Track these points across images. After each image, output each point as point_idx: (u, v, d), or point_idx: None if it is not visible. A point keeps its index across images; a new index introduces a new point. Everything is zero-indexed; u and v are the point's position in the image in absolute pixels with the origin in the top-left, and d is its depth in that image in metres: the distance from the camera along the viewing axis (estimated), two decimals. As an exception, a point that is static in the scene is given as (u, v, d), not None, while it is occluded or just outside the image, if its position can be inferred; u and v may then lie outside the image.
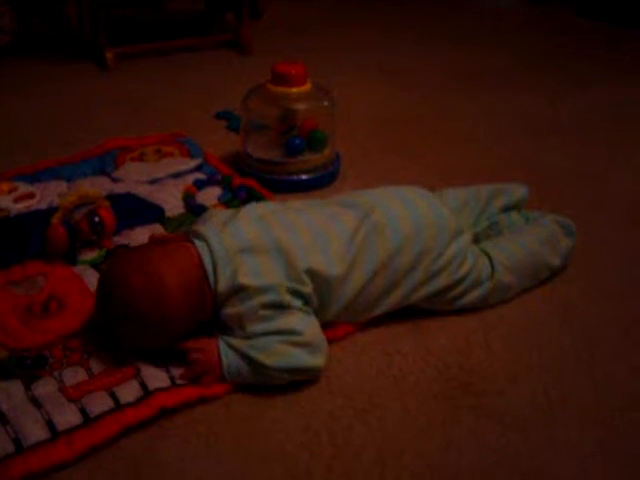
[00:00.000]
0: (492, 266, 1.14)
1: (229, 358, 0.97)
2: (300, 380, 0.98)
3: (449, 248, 1.09)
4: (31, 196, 1.37)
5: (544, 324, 1.13)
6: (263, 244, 1.01)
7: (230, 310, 0.98)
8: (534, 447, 0.91)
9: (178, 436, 0.90)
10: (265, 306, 0.97)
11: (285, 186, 1.48)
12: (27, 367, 0.96)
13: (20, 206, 1.33)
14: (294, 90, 1.46)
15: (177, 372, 0.97)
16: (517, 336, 1.10)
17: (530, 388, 1.00)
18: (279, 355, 0.95)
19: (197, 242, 1.01)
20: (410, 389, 0.99)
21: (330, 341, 1.03)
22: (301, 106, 1.50)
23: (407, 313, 1.11)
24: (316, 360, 0.98)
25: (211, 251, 0.99)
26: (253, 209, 1.09)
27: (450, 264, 1.09)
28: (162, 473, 0.85)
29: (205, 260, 0.99)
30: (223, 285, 0.97)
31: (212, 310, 1.00)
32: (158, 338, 0.98)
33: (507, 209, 1.30)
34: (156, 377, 0.95)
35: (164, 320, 0.95)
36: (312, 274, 1.01)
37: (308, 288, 1.00)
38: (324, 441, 0.90)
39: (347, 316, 1.07)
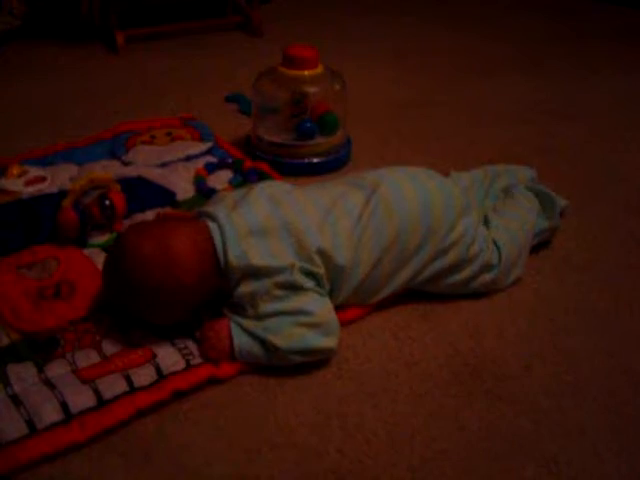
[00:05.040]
0: (498, 249, 1.13)
1: (240, 338, 0.97)
2: (311, 364, 0.98)
3: (458, 225, 1.09)
4: (42, 180, 1.36)
5: (557, 309, 1.12)
6: (273, 224, 1.01)
7: (244, 289, 0.98)
8: (546, 433, 0.90)
9: (189, 419, 0.90)
10: (278, 286, 0.97)
11: (296, 169, 1.47)
12: (39, 349, 0.97)
13: (31, 190, 1.33)
14: (306, 73, 1.45)
15: (191, 350, 0.98)
16: (529, 321, 1.10)
17: (543, 373, 1.00)
18: (290, 337, 0.95)
19: (207, 221, 1.02)
20: (421, 374, 0.99)
21: (340, 325, 1.02)
22: (313, 89, 1.49)
23: (418, 298, 1.11)
24: (327, 341, 0.98)
25: (221, 230, 0.99)
26: (263, 189, 1.09)
27: (459, 241, 1.08)
28: (173, 456, 0.85)
29: (215, 238, 0.99)
30: (234, 264, 0.97)
31: (219, 285, 1.00)
32: (170, 309, 0.98)
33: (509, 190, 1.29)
34: (171, 360, 0.95)
35: (176, 288, 0.96)
36: (323, 255, 1.01)
37: (320, 269, 1.00)
38: (335, 425, 0.90)
39: (358, 297, 1.07)
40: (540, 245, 1.25)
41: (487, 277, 1.12)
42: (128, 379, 0.92)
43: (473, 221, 1.11)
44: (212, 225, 1.00)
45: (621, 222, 1.36)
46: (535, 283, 1.18)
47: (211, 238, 0.99)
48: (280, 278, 0.97)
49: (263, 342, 0.96)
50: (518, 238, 1.17)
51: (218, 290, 1.01)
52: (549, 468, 0.86)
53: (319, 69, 1.47)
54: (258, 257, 0.98)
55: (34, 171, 1.38)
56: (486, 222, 1.19)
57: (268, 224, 1.01)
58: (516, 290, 1.16)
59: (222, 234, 0.99)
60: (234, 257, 0.98)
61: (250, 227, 1.00)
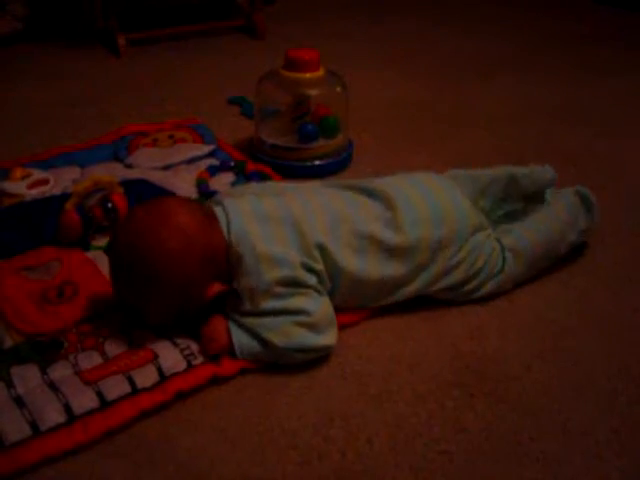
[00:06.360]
0: (503, 255, 1.12)
1: (240, 336, 0.97)
2: (313, 365, 0.99)
3: (467, 242, 1.08)
4: (45, 182, 1.37)
5: (559, 312, 1.12)
6: (277, 214, 1.02)
7: (243, 282, 0.98)
8: (548, 434, 0.90)
9: (191, 422, 0.90)
10: (280, 283, 0.97)
11: (298, 172, 1.47)
12: (42, 351, 0.97)
13: (34, 192, 1.34)
14: (307, 76, 1.46)
15: (193, 350, 0.98)
16: (531, 324, 1.10)
17: (544, 376, 1.00)
18: (288, 335, 0.96)
19: (212, 205, 1.04)
20: (423, 375, 0.99)
21: (343, 327, 1.03)
22: (314, 92, 1.50)
23: (420, 300, 1.11)
24: (326, 339, 0.98)
25: (226, 212, 1.00)
26: (270, 187, 1.11)
27: (467, 258, 1.08)
28: (175, 458, 0.85)
29: (220, 219, 1.00)
30: (235, 245, 0.98)
31: (226, 268, 1.00)
32: (180, 296, 0.97)
33: (532, 196, 1.22)
34: (173, 361, 0.95)
35: (185, 258, 0.95)
36: (323, 250, 1.01)
37: (320, 265, 1.01)
38: (337, 426, 0.90)
39: (358, 303, 1.07)
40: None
41: (492, 283, 1.11)
42: (130, 380, 0.92)
43: (482, 237, 1.10)
44: (217, 208, 1.02)
45: (622, 222, 1.36)
46: (536, 284, 1.18)
47: (216, 220, 1.00)
48: (281, 273, 0.97)
49: (261, 340, 0.96)
50: (533, 250, 1.14)
51: (226, 276, 1.00)
52: (551, 468, 0.86)
53: (321, 72, 1.47)
54: (261, 243, 0.98)
55: (37, 174, 1.38)
56: (497, 225, 1.18)
57: (273, 213, 1.02)
58: (517, 291, 1.16)
59: (227, 215, 1.00)
60: (237, 239, 0.98)
61: (255, 212, 1.01)
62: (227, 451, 0.87)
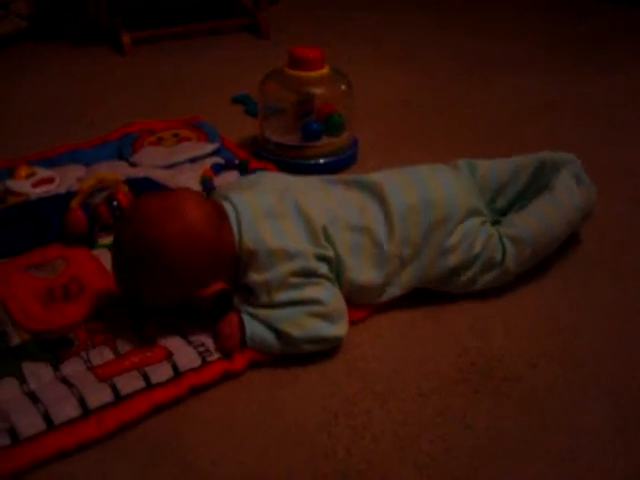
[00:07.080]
0: (502, 245, 1.12)
1: (253, 326, 0.98)
2: (319, 363, 0.99)
3: (459, 226, 1.09)
4: (50, 181, 1.37)
5: (564, 309, 1.12)
6: (284, 207, 1.02)
7: (257, 277, 0.98)
8: (553, 432, 0.91)
9: (199, 418, 0.91)
10: (294, 274, 0.98)
11: (303, 170, 1.47)
12: (49, 348, 0.97)
13: (39, 191, 1.34)
14: (312, 74, 1.46)
15: (207, 347, 0.98)
16: (536, 321, 1.10)
17: (549, 373, 1.00)
18: (303, 326, 0.97)
19: (220, 200, 1.03)
20: (428, 373, 0.99)
21: (350, 323, 1.03)
22: (319, 90, 1.50)
23: (425, 298, 1.11)
24: (338, 330, 0.99)
25: (235, 209, 1.00)
26: (271, 180, 1.11)
27: (462, 242, 1.08)
28: (183, 455, 0.86)
29: (230, 215, 1.00)
30: (247, 242, 0.98)
31: (233, 265, 1.00)
32: (179, 289, 0.98)
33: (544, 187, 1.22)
34: (188, 359, 0.96)
35: (194, 263, 0.95)
36: (327, 237, 1.02)
37: (330, 252, 1.02)
38: (343, 425, 0.91)
39: (360, 295, 1.07)
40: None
41: (493, 274, 1.11)
42: (145, 377, 0.92)
43: (476, 222, 1.11)
44: (226, 204, 1.02)
45: (628, 221, 1.36)
46: (539, 281, 1.18)
47: (226, 215, 1.00)
48: (295, 265, 0.98)
49: (276, 331, 0.97)
50: (536, 240, 1.13)
51: (233, 268, 1.00)
52: (555, 466, 0.86)
53: (325, 70, 1.47)
54: (273, 237, 0.98)
55: (42, 172, 1.39)
56: (499, 216, 1.18)
57: (280, 206, 1.02)
58: (522, 289, 1.16)
59: (237, 213, 1.00)
60: (248, 238, 0.98)
61: (263, 207, 1.01)
62: (233, 448, 0.87)
